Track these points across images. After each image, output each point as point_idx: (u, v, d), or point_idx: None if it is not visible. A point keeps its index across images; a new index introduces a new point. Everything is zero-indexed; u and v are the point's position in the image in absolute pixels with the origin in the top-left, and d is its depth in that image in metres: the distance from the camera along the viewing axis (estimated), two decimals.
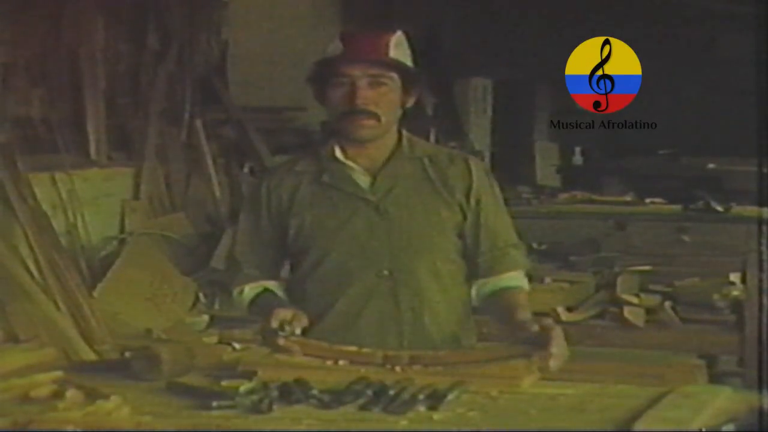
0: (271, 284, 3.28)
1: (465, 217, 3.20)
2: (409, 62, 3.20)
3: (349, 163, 3.19)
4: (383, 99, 3.13)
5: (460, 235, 3.21)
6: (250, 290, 3.28)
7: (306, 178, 3.22)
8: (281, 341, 2.95)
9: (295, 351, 2.95)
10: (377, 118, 3.13)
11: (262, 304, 3.23)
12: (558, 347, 2.86)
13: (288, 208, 3.21)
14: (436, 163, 3.22)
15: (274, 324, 2.98)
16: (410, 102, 3.22)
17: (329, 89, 3.16)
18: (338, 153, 3.19)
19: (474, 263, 3.23)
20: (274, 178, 3.27)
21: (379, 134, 3.17)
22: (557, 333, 2.89)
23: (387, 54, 3.14)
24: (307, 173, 3.23)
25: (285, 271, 3.36)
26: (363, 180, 3.19)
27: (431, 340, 3.15)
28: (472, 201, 3.20)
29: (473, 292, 3.25)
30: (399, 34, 3.20)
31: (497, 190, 3.28)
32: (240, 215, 3.40)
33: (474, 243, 3.21)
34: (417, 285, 3.16)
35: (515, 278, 3.23)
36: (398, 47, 3.17)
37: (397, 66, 3.15)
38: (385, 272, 3.15)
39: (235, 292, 3.31)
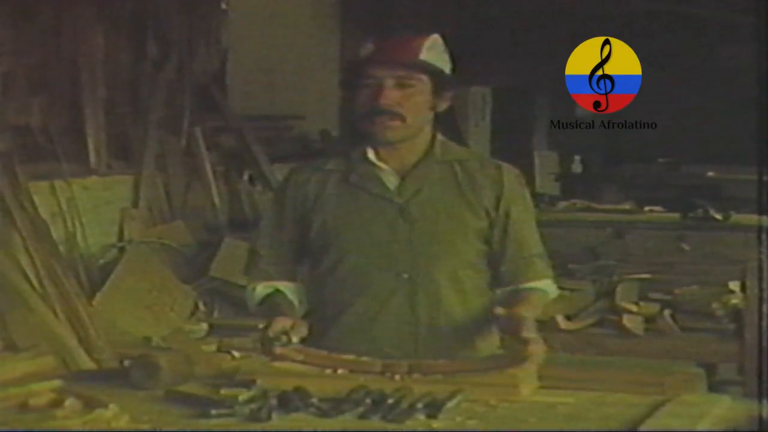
0: (284, 285, 3.26)
1: (491, 225, 3.18)
2: (443, 65, 3.17)
3: (380, 163, 3.18)
4: (409, 100, 3.11)
5: (486, 242, 3.19)
6: (262, 289, 3.26)
7: (334, 177, 3.21)
8: (277, 350, 2.95)
9: (292, 359, 2.95)
10: (402, 118, 3.11)
11: (270, 306, 3.22)
12: (531, 332, 2.90)
13: (312, 205, 3.20)
14: (466, 168, 3.20)
15: (271, 333, 2.98)
16: (442, 105, 3.19)
17: (357, 90, 3.13)
18: (370, 154, 3.18)
19: (497, 271, 3.22)
20: (302, 175, 3.26)
21: (405, 135, 3.14)
22: (530, 320, 2.93)
23: (417, 56, 3.12)
24: (336, 172, 3.22)
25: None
26: (391, 181, 3.17)
27: (447, 345, 3.13)
28: (501, 209, 3.18)
29: (496, 298, 3.24)
30: (435, 36, 3.18)
31: (528, 198, 3.27)
32: (266, 209, 3.40)
33: (500, 251, 3.19)
34: (435, 290, 3.15)
35: (538, 285, 3.22)
36: (432, 50, 3.15)
37: (426, 68, 3.12)
38: (404, 275, 3.14)
39: (249, 287, 3.30)
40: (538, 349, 2.89)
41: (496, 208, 3.18)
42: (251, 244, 3.39)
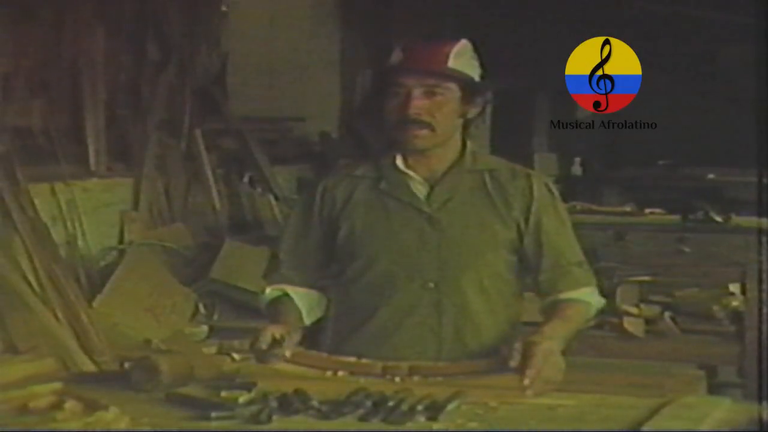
0: (294, 290, 3.23)
1: (520, 235, 3.16)
2: (471, 72, 3.16)
3: (409, 172, 3.17)
4: (438, 109, 3.10)
5: (515, 252, 3.17)
6: (270, 292, 3.25)
7: (363, 183, 3.20)
8: (271, 363, 2.94)
9: (293, 361, 2.95)
10: (431, 127, 3.10)
11: (274, 310, 3.21)
12: (535, 369, 2.81)
13: (340, 211, 3.19)
14: (496, 177, 3.19)
15: (263, 345, 2.96)
16: (472, 112, 3.19)
17: (386, 98, 3.13)
18: (399, 162, 3.17)
19: (536, 282, 3.19)
20: (331, 180, 3.25)
21: (434, 144, 3.14)
22: (539, 353, 2.84)
23: (446, 64, 3.11)
24: (366, 178, 3.21)
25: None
26: (420, 190, 3.17)
27: (471, 356, 3.09)
28: (532, 219, 3.16)
29: (539, 308, 3.21)
30: (463, 43, 3.17)
31: (561, 206, 3.25)
32: (291, 213, 3.38)
33: (536, 261, 3.17)
34: (461, 299, 3.13)
35: (579, 294, 3.19)
36: (460, 57, 3.14)
37: (454, 76, 3.12)
38: (431, 284, 3.13)
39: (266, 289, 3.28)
40: (537, 389, 2.82)
41: (527, 218, 3.16)
42: (274, 248, 3.36)
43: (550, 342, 2.90)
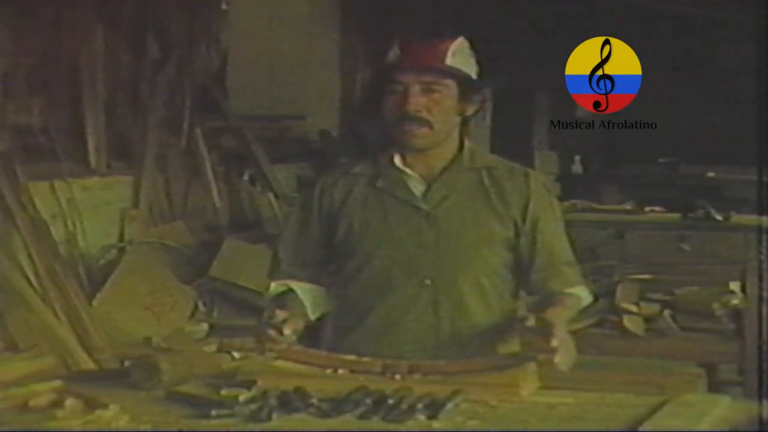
0: (299, 286, 3.23)
1: (517, 233, 3.16)
2: (469, 69, 3.16)
3: (407, 169, 3.17)
4: (436, 106, 3.10)
5: (512, 250, 3.17)
6: (275, 287, 3.25)
7: (361, 181, 3.20)
8: (269, 343, 2.94)
9: (293, 359, 2.95)
10: (429, 125, 3.10)
11: (278, 302, 3.21)
12: (560, 341, 2.83)
13: (339, 209, 3.19)
14: (494, 175, 3.19)
15: (268, 320, 2.96)
16: (470, 110, 3.17)
17: (384, 96, 3.12)
18: (397, 159, 3.17)
19: (526, 279, 3.20)
20: (329, 178, 3.25)
21: (432, 142, 3.13)
22: (559, 327, 2.86)
23: (443, 61, 3.11)
24: (364, 176, 3.20)
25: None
26: (418, 188, 3.16)
27: (469, 351, 3.08)
28: (528, 218, 3.16)
29: (528, 305, 3.22)
30: (460, 40, 3.17)
31: (556, 205, 3.25)
32: (290, 212, 3.38)
33: (529, 260, 3.17)
34: (459, 297, 3.13)
35: (570, 290, 3.19)
36: (457, 54, 3.14)
37: (452, 73, 3.11)
38: (428, 282, 3.13)
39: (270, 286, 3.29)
40: (563, 359, 2.85)
41: (524, 217, 3.16)
42: (275, 247, 3.36)
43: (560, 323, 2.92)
